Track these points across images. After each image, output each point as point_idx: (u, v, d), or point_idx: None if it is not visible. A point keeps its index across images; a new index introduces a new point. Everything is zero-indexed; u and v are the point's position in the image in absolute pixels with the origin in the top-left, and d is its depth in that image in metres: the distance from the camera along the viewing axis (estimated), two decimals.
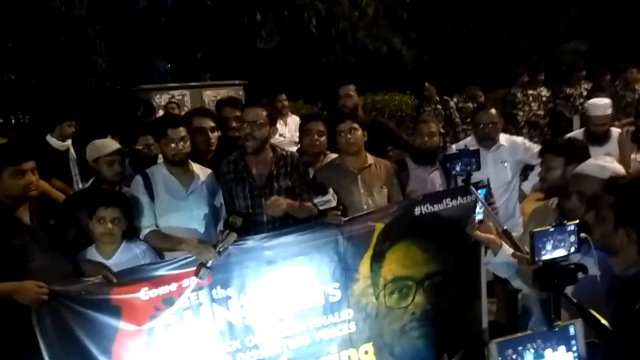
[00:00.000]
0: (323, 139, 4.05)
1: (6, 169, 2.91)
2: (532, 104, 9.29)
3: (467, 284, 3.68)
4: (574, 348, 1.92)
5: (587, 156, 2.91)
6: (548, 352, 1.90)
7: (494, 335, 3.75)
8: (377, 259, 3.45)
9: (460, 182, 3.42)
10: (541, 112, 9.28)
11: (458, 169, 3.27)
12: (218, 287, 3.17)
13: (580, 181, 2.58)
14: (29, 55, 8.57)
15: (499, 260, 2.83)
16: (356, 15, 13.92)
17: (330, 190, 3.34)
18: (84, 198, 3.44)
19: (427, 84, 8.49)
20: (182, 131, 3.45)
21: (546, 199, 3.17)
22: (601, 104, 4.73)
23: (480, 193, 3.36)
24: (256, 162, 3.52)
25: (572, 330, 1.93)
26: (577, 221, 1.99)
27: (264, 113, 3.46)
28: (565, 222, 1.98)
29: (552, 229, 1.93)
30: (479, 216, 3.16)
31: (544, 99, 9.31)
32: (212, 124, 3.95)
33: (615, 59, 14.19)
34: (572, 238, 1.94)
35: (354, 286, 3.41)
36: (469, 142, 4.44)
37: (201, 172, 3.60)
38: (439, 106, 8.46)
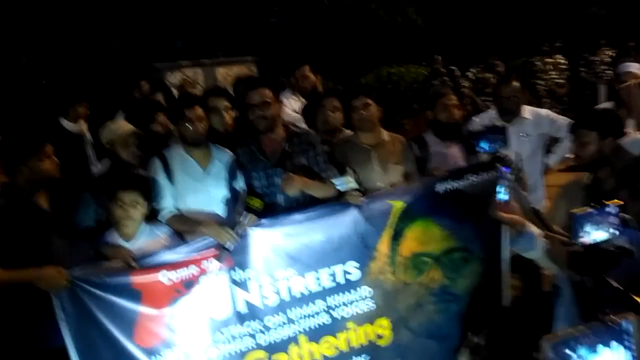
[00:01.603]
0: (337, 114, 3.98)
1: (33, 155, 2.93)
2: (552, 73, 9.12)
3: (488, 260, 3.64)
4: (630, 345, 1.79)
5: (621, 128, 2.80)
6: (601, 349, 1.77)
7: (518, 313, 3.77)
8: (396, 237, 3.43)
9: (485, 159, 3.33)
10: (561, 81, 9.11)
11: (486, 147, 3.17)
12: (238, 269, 3.16)
13: (620, 156, 2.48)
14: (39, 37, 8.54)
15: (524, 241, 2.75)
16: None
17: (350, 171, 3.30)
18: (103, 181, 3.40)
19: (436, 56, 8.34)
20: (199, 110, 3.40)
21: (568, 171, 3.07)
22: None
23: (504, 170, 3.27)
24: (269, 142, 3.47)
25: (627, 325, 1.79)
26: (620, 202, 1.90)
27: (269, 92, 3.41)
28: (606, 202, 1.89)
29: (594, 211, 1.84)
30: (503, 196, 3.08)
31: (562, 67, 9.13)
32: (227, 104, 3.89)
33: (635, 24, 13.83)
34: (614, 220, 1.85)
35: (373, 264, 3.40)
36: (492, 114, 4.33)
37: (219, 152, 3.55)
38: (446, 78, 8.31)
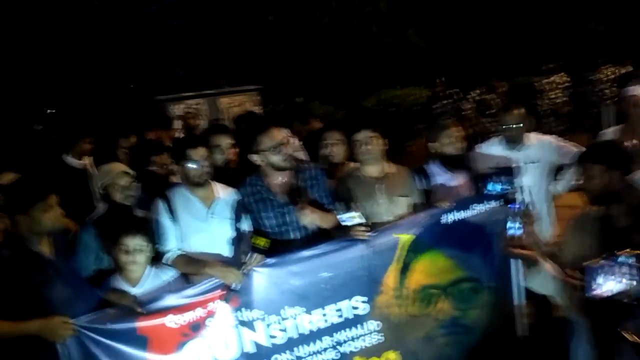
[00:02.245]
0: (340, 148, 3.96)
1: (35, 205, 2.90)
2: (553, 92, 9.13)
3: (499, 289, 3.61)
4: None
5: (628, 160, 2.76)
6: None
7: (531, 342, 3.70)
8: (404, 271, 3.41)
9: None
10: (563, 100, 9.11)
11: (494, 188, 3.12)
12: (244, 309, 3.14)
13: (632, 193, 2.43)
14: (42, 74, 8.62)
15: (538, 278, 2.71)
16: (370, 9, 13.75)
17: (356, 206, 3.28)
18: (103, 225, 3.38)
19: (438, 80, 8.37)
20: (202, 151, 3.39)
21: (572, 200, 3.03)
22: None
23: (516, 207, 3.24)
24: (276, 179, 3.45)
25: None
26: (637, 252, 1.85)
27: (286, 131, 3.42)
28: (618, 252, 1.84)
29: (607, 262, 1.80)
30: (514, 232, 3.04)
31: (562, 85, 9.15)
32: (230, 141, 3.88)
33: (634, 39, 13.86)
34: (630, 270, 1.81)
35: (380, 298, 3.38)
36: (496, 142, 4.30)
37: (223, 191, 3.52)
38: (448, 101, 8.33)
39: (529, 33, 15.89)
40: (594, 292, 1.77)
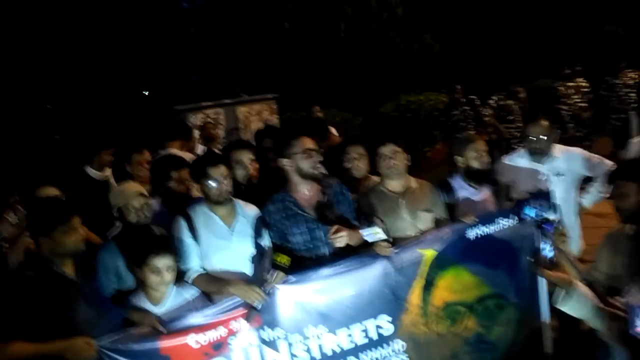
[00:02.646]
0: (363, 163, 3.92)
1: (57, 227, 2.89)
2: (574, 97, 9.00)
3: (524, 306, 3.53)
4: None
5: None
6: None
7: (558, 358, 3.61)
8: (428, 287, 3.35)
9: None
10: (584, 104, 8.99)
11: (531, 214, 3.04)
12: (267, 328, 3.10)
13: None
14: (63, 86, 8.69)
15: (571, 301, 2.63)
16: (386, 15, 13.70)
17: (378, 221, 3.23)
18: (127, 245, 3.36)
19: (457, 86, 8.28)
20: (223, 169, 3.36)
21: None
22: None
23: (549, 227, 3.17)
24: (303, 194, 3.41)
25: None
26: None
27: (313, 141, 3.43)
28: None
29: None
30: (548, 253, 2.97)
31: (584, 90, 9.02)
32: (251, 156, 3.86)
33: None
34: None
35: (405, 317, 3.31)
36: (522, 154, 4.22)
37: (244, 208, 3.49)
38: (467, 107, 8.23)
39: (548, 36, 15.70)
40: (638, 330, 1.70)
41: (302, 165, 3.34)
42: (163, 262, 3.09)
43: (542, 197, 3.08)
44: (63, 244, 2.90)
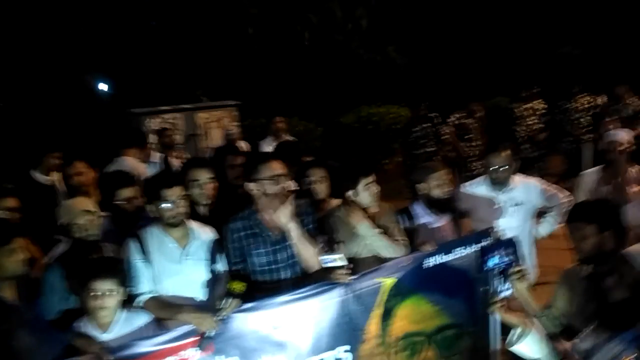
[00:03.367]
0: (324, 185, 3.87)
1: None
2: (529, 119, 9.23)
3: (477, 334, 3.54)
4: None
5: (619, 218, 2.72)
6: None
7: None
8: (386, 316, 3.30)
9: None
10: (539, 126, 9.21)
11: (494, 264, 3.00)
12: (221, 356, 2.99)
13: (627, 268, 2.37)
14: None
15: (525, 342, 2.64)
16: (350, 26, 13.73)
17: (340, 246, 3.18)
18: (71, 265, 3.20)
19: (423, 104, 8.34)
20: (178, 190, 3.23)
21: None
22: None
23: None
24: (270, 215, 3.30)
25: None
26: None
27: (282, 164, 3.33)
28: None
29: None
30: (504, 292, 2.97)
31: (539, 112, 9.25)
32: (210, 175, 3.75)
33: (610, 62, 14.14)
34: None
35: (364, 347, 3.25)
36: (481, 181, 4.26)
37: (199, 231, 3.37)
38: (427, 124, 8.30)
39: (506, 53, 16.08)
40: None
41: (269, 190, 3.23)
42: (103, 286, 2.94)
43: (507, 245, 3.06)
44: (5, 267, 2.76)
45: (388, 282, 3.31)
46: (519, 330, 2.71)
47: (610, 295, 2.39)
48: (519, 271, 2.93)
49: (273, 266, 3.28)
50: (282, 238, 3.29)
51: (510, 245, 3.04)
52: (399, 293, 3.32)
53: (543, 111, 9.31)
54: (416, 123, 8.31)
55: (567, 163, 9.19)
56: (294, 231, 3.21)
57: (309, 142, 11.16)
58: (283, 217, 3.18)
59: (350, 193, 3.59)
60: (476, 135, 8.67)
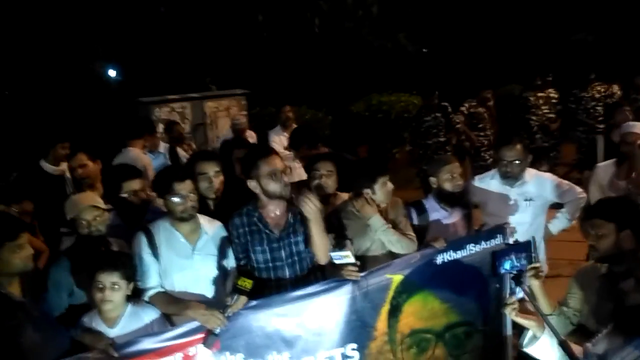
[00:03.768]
0: (332, 180, 3.81)
1: (5, 245, 2.72)
2: (543, 107, 9.05)
3: (490, 332, 3.50)
4: None
5: (639, 217, 2.64)
6: None
7: None
8: (395, 313, 3.27)
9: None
10: (552, 115, 9.05)
11: (508, 268, 2.90)
12: (227, 354, 2.98)
13: None
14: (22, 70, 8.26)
15: (539, 345, 2.59)
16: (361, 13, 13.56)
17: (348, 244, 3.14)
18: (78, 259, 3.17)
19: (435, 92, 8.20)
20: (189, 184, 3.19)
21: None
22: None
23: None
24: (272, 212, 3.27)
25: None
26: None
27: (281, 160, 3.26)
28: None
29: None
30: (517, 294, 2.90)
31: (553, 101, 9.08)
32: (217, 168, 3.70)
33: (624, 49, 13.90)
34: None
35: (372, 344, 3.22)
36: (493, 175, 4.17)
37: (209, 225, 3.32)
38: (438, 114, 8.16)
39: (519, 40, 15.86)
40: None
41: (268, 187, 3.17)
42: (107, 279, 2.91)
43: (522, 248, 2.97)
44: (11, 263, 2.73)
45: (397, 278, 3.27)
46: (530, 334, 2.66)
47: (627, 299, 2.32)
48: (533, 268, 2.85)
49: (271, 264, 3.23)
50: (282, 236, 3.24)
51: (525, 249, 2.95)
52: (406, 289, 3.29)
53: (556, 100, 9.14)
54: (427, 112, 8.18)
55: (581, 153, 9.05)
56: (315, 215, 3.11)
57: (318, 130, 11.05)
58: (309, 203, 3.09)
59: (367, 190, 3.52)
60: (487, 124, 8.55)
